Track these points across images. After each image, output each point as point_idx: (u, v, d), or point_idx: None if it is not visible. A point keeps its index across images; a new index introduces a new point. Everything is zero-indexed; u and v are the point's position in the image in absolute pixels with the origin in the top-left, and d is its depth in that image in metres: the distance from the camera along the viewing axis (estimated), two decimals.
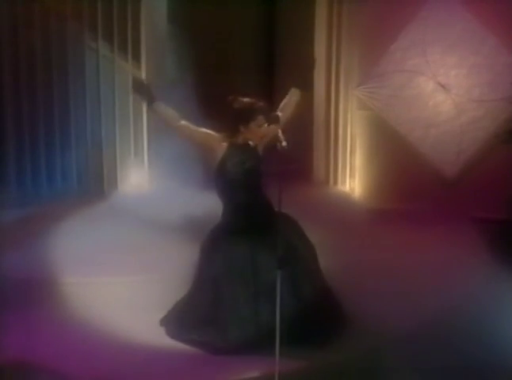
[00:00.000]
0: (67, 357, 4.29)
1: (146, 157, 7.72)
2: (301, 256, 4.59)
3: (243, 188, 4.51)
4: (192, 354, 4.39)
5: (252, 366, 4.19)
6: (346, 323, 4.68)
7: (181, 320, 4.64)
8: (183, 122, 4.56)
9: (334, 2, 7.83)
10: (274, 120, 4.39)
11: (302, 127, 7.71)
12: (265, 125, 4.45)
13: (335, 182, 8.05)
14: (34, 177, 7.31)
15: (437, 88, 7.48)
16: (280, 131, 4.23)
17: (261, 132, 4.49)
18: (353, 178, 7.93)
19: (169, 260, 5.68)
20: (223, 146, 4.53)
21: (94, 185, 7.46)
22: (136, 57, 7.56)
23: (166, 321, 4.75)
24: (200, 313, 4.53)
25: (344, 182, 7.99)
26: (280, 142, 4.14)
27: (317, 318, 4.49)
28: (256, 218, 4.52)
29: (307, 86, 4.46)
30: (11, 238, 6.05)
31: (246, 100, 4.48)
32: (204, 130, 4.56)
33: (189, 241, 5.65)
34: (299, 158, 7.23)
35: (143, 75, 7.59)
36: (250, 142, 4.53)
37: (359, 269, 5.73)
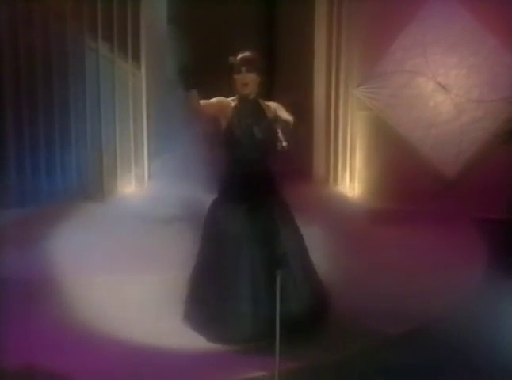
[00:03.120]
0: (68, 357, 4.29)
1: (145, 157, 7.71)
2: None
3: (249, 146, 4.54)
4: (192, 353, 4.40)
5: (252, 366, 4.19)
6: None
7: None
8: (202, 101, 4.62)
9: (334, 2, 7.83)
10: (275, 120, 4.41)
11: (302, 127, 7.70)
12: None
13: (335, 182, 8.05)
14: (34, 177, 7.30)
15: (437, 88, 7.48)
16: (280, 131, 4.24)
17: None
18: (353, 178, 7.93)
19: (168, 261, 5.68)
20: (231, 106, 4.61)
21: (94, 185, 7.46)
22: (136, 57, 7.56)
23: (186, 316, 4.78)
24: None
25: (344, 182, 7.99)
26: (281, 142, 4.15)
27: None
28: (256, 186, 4.55)
29: None
30: (11, 238, 6.05)
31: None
32: (215, 98, 4.63)
33: (188, 241, 5.65)
34: (299, 158, 7.23)
35: (143, 75, 7.59)
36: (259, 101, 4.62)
37: (359, 269, 5.73)
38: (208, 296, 4.58)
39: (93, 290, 5.29)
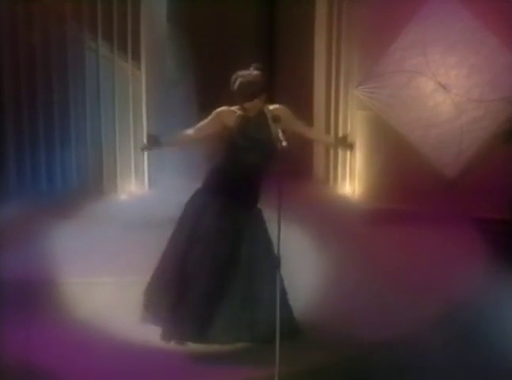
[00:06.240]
0: (67, 357, 4.29)
1: (145, 157, 7.71)
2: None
3: (253, 153, 4.47)
4: (192, 354, 4.39)
5: (252, 367, 4.19)
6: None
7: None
8: (190, 130, 4.58)
9: (334, 3, 7.83)
10: (275, 120, 4.39)
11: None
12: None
13: (335, 182, 8.05)
14: (34, 177, 7.30)
15: (437, 88, 7.48)
16: (280, 131, 4.23)
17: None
18: (353, 178, 7.93)
19: None
20: (235, 115, 4.49)
21: (94, 185, 7.46)
22: (136, 57, 7.56)
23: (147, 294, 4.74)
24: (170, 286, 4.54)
25: (344, 182, 7.99)
26: (281, 142, 4.14)
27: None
28: (244, 189, 4.50)
29: None
30: (11, 238, 6.05)
31: (244, 77, 4.44)
32: (213, 114, 4.54)
33: None
34: (299, 158, 7.23)
35: (143, 75, 7.60)
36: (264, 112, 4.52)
37: (358, 269, 5.73)
38: (173, 290, 4.52)
39: (93, 290, 5.29)
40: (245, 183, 4.52)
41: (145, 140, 4.79)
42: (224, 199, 4.50)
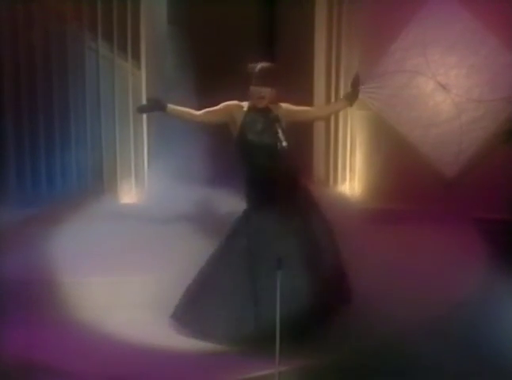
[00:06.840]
0: (68, 357, 4.29)
1: (146, 157, 7.71)
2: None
3: (263, 151, 4.51)
4: (192, 354, 4.40)
5: (252, 366, 4.19)
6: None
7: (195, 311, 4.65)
8: (199, 112, 4.59)
9: (334, 2, 7.83)
10: (275, 120, 4.41)
11: (302, 127, 7.70)
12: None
13: (335, 182, 8.05)
14: (34, 178, 7.29)
15: (437, 88, 7.48)
16: (280, 131, 4.24)
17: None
18: (353, 178, 7.93)
19: (169, 260, 5.68)
20: (243, 110, 4.56)
21: (94, 185, 7.45)
22: (136, 57, 7.55)
23: (178, 315, 4.75)
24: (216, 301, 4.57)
25: (344, 182, 7.99)
26: (281, 142, 4.15)
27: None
28: (278, 189, 4.51)
29: None
30: (11, 239, 6.05)
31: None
32: (222, 104, 4.59)
33: (189, 240, 5.67)
34: (299, 158, 7.22)
35: (143, 75, 7.59)
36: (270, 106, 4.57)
37: (358, 269, 5.73)
38: (222, 298, 4.58)
39: (93, 290, 5.29)
40: (277, 184, 4.51)
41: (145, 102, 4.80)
42: (271, 208, 4.52)
